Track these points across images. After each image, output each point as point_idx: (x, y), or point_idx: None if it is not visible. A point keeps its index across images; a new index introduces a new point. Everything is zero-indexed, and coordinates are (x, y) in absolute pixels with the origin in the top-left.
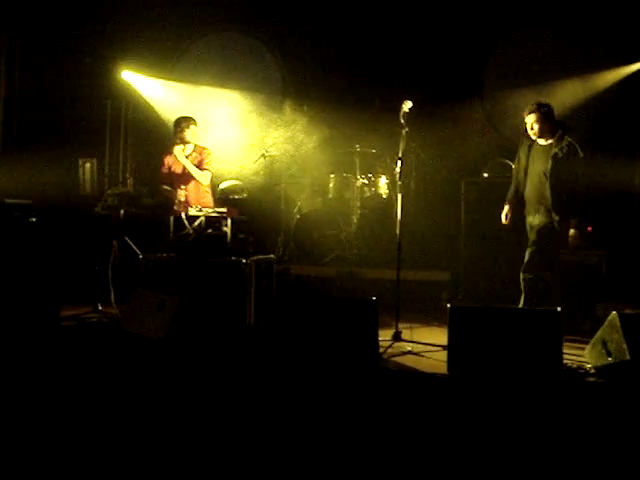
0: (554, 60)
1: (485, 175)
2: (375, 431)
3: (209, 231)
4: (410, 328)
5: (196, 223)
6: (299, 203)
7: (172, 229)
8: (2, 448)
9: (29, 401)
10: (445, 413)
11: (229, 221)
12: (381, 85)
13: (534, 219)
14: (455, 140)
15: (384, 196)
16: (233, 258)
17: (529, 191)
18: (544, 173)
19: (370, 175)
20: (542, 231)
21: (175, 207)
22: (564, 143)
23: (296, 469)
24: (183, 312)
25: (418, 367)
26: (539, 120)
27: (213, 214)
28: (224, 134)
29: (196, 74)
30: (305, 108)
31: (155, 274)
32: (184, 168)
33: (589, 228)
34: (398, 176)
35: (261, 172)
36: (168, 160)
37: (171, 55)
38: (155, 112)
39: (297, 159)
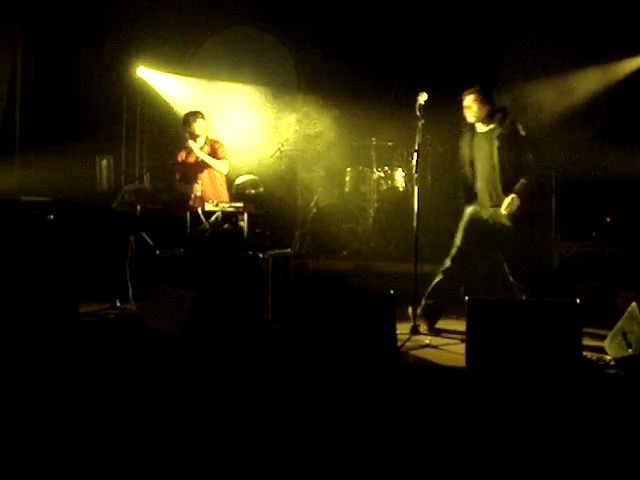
0: (571, 50)
1: None
2: (394, 425)
3: (226, 226)
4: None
5: (212, 218)
6: (316, 197)
7: (189, 224)
8: (18, 443)
9: (48, 396)
10: (464, 406)
11: (245, 216)
12: (397, 77)
13: (488, 214)
14: None
15: (400, 189)
16: (250, 253)
17: (481, 185)
18: (493, 161)
19: (386, 168)
20: (502, 230)
21: (191, 202)
22: (507, 122)
23: (315, 464)
24: (201, 307)
25: (436, 360)
26: (478, 100)
27: (229, 209)
28: (240, 129)
29: (211, 69)
30: (321, 102)
31: (172, 270)
32: (198, 162)
33: (607, 219)
34: (414, 169)
35: (277, 166)
36: (182, 155)
37: (186, 51)
38: (171, 108)
39: (313, 153)
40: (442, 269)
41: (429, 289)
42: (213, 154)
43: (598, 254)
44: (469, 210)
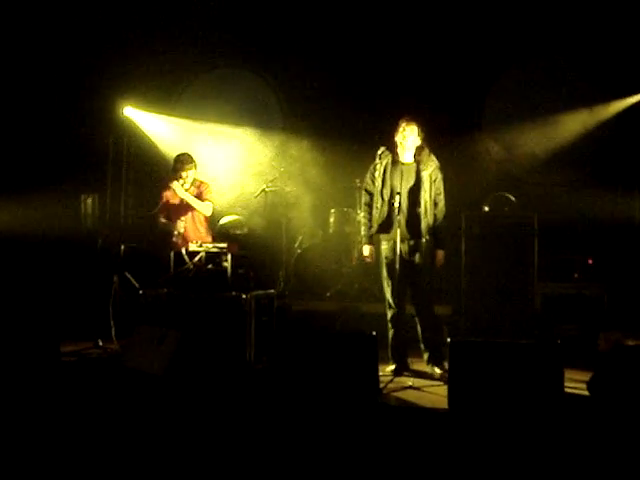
0: (554, 93)
1: (486, 209)
2: (376, 467)
3: (209, 266)
4: (411, 362)
5: (196, 258)
6: (300, 238)
7: (172, 264)
8: None
9: (29, 436)
10: (446, 448)
11: (229, 256)
12: (381, 120)
13: (405, 247)
14: (455, 174)
15: None
16: (233, 293)
17: (401, 217)
18: (416, 195)
19: None
20: (420, 264)
21: (174, 239)
22: (432, 160)
23: None
24: (183, 347)
25: (419, 402)
26: (416, 133)
27: (213, 249)
28: (225, 169)
29: (197, 110)
30: (305, 143)
31: (155, 309)
32: (182, 202)
33: (589, 260)
34: (397, 210)
35: (261, 207)
36: (167, 194)
37: (173, 92)
38: (157, 148)
39: (297, 194)
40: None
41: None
42: (198, 195)
43: (580, 295)
44: (390, 247)
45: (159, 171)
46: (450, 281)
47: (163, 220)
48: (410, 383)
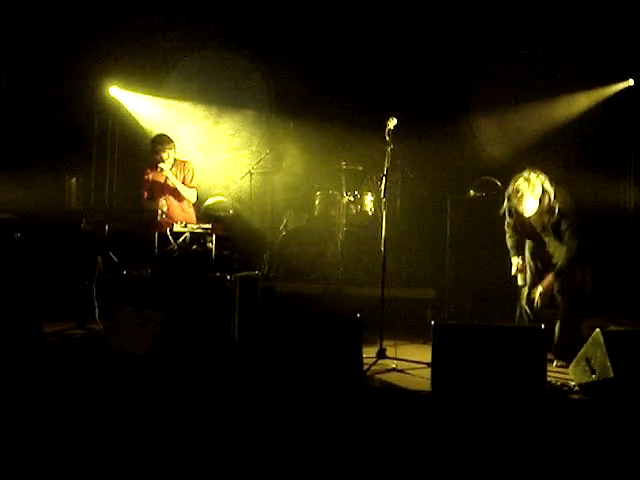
0: (540, 79)
1: (471, 193)
2: (359, 449)
3: (194, 247)
4: (395, 345)
5: (181, 239)
6: (285, 220)
7: (157, 245)
8: None
9: (12, 417)
10: (429, 430)
11: (214, 237)
12: (368, 103)
13: None
14: (441, 158)
15: (370, 213)
16: (218, 274)
17: None
18: None
19: (356, 192)
20: None
21: (158, 218)
22: None
23: None
24: (167, 328)
25: (402, 384)
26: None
27: (198, 230)
28: (211, 150)
29: (184, 91)
30: (292, 125)
31: (139, 290)
32: (166, 181)
33: None
34: (383, 193)
35: (247, 189)
36: (149, 176)
37: (159, 71)
38: (142, 128)
39: (283, 176)
40: None
41: None
42: (182, 179)
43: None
44: None
45: (144, 151)
46: (434, 265)
47: (148, 200)
48: (394, 365)
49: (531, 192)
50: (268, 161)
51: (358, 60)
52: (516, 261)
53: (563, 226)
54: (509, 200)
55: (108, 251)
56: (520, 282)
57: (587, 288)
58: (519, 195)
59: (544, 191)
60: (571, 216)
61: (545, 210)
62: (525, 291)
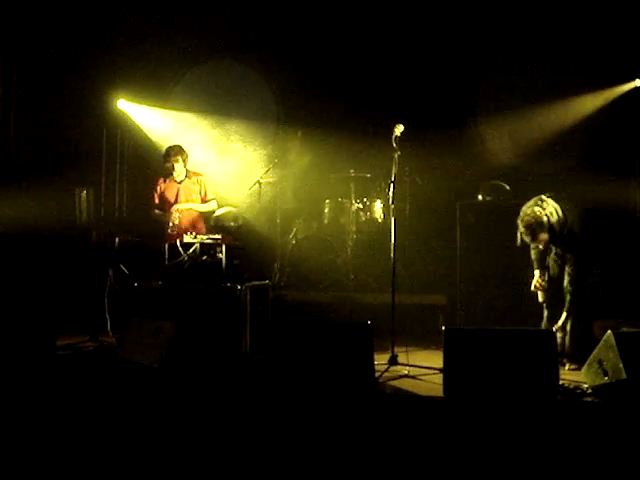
0: (547, 83)
1: (480, 198)
2: (372, 455)
3: (204, 258)
4: (406, 351)
5: (191, 250)
6: (295, 229)
7: (167, 256)
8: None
9: (25, 430)
10: (441, 436)
11: (224, 248)
12: (375, 110)
13: None
14: (449, 164)
15: (379, 220)
16: (228, 285)
17: None
18: None
19: (365, 199)
20: None
21: (169, 230)
22: None
23: None
24: (179, 339)
25: (414, 390)
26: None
27: (208, 241)
28: (219, 161)
29: (191, 102)
30: (299, 134)
31: (150, 302)
32: (177, 193)
33: None
34: (391, 200)
35: (256, 198)
36: (161, 185)
37: (166, 84)
38: (150, 140)
39: (292, 185)
40: None
41: None
42: (200, 193)
43: None
44: None
45: (153, 164)
46: (445, 270)
47: (157, 211)
48: (406, 372)
49: (540, 229)
50: (276, 170)
51: (365, 67)
52: (537, 274)
53: (568, 255)
54: (521, 234)
55: (119, 263)
56: (540, 299)
57: (598, 291)
58: (529, 232)
59: (551, 225)
60: (579, 234)
61: (557, 238)
62: (546, 313)
